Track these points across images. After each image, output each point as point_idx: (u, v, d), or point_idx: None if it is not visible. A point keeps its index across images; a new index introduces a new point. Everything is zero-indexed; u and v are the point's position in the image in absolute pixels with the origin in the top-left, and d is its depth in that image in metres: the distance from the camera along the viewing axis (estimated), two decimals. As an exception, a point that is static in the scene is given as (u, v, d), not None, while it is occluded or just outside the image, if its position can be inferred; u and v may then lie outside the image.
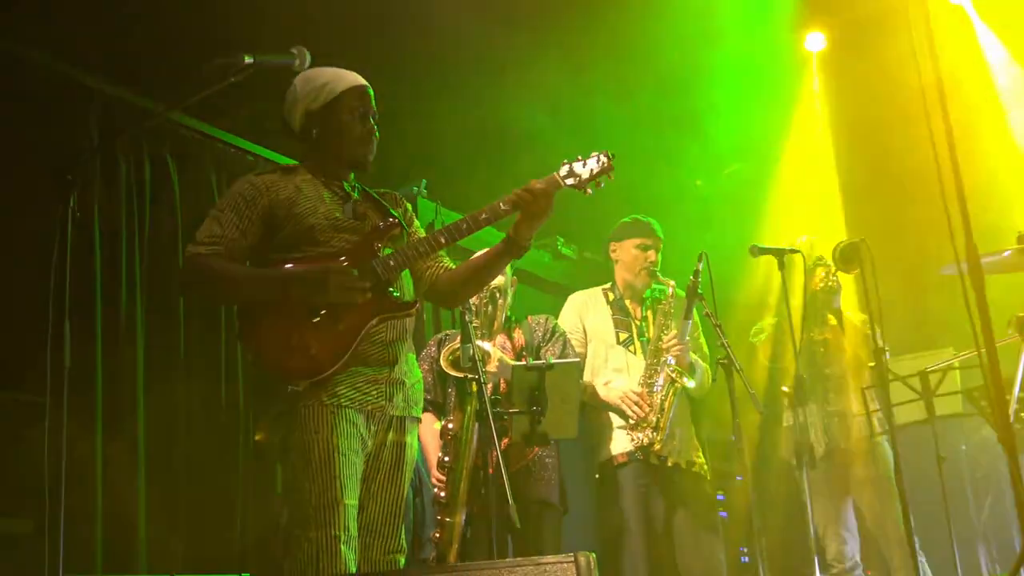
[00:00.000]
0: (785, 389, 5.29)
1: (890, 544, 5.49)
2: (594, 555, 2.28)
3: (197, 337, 5.11)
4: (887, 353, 5.04)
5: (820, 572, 5.13)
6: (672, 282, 5.14)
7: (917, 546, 4.96)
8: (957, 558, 5.06)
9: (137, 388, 4.82)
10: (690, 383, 4.95)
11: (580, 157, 3.52)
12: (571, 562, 2.25)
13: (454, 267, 3.68)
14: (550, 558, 2.27)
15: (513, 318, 4.87)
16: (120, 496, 4.63)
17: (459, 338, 4.41)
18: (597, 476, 5.16)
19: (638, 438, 4.92)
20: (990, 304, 2.92)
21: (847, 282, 5.61)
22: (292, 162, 3.69)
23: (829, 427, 5.60)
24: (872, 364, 5.11)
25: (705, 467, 5.16)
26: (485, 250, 3.66)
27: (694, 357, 5.13)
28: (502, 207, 3.42)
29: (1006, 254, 3.75)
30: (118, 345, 4.76)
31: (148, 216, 5.03)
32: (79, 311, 4.54)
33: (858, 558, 5.62)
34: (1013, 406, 3.94)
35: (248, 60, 3.23)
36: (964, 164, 2.99)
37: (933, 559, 5.42)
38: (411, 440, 3.51)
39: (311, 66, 3.43)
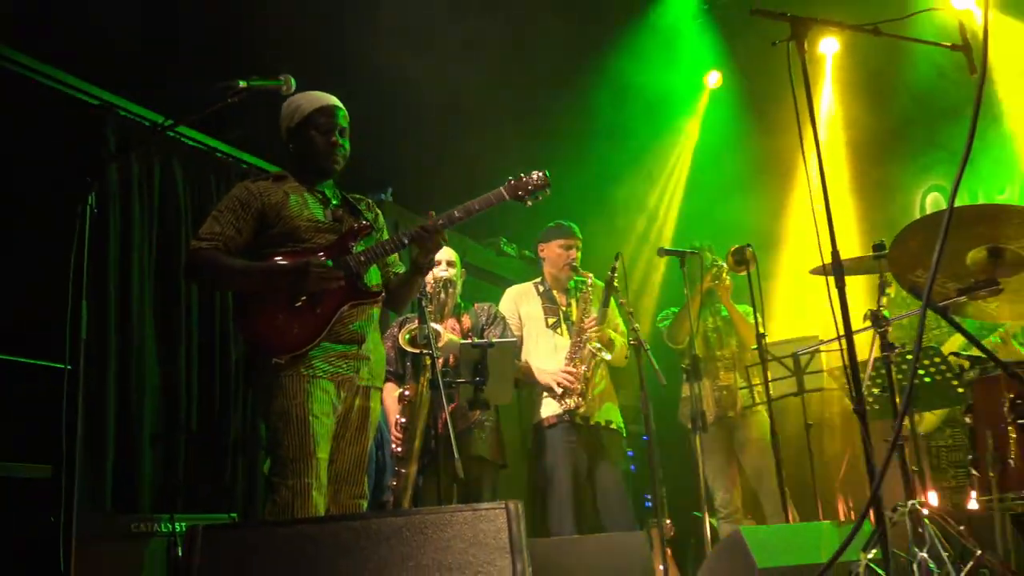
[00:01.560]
0: (684, 366, 5.35)
1: (765, 494, 5.57)
2: (521, 502, 2.30)
3: (197, 317, 5.06)
4: (766, 337, 5.11)
5: (709, 515, 5.20)
6: (590, 274, 5.16)
7: (787, 496, 5.05)
8: (819, 506, 5.15)
9: (145, 358, 4.77)
10: (607, 355, 4.99)
11: (523, 175, 3.57)
12: (502, 508, 2.26)
13: (400, 273, 3.72)
14: (485, 504, 2.28)
15: (462, 305, 4.87)
16: (128, 448, 4.58)
17: (417, 320, 4.43)
18: (531, 436, 5.16)
19: (566, 403, 4.94)
20: (849, 299, 2.99)
21: (737, 280, 5.67)
22: (280, 170, 3.68)
23: (719, 398, 5.67)
24: (754, 347, 5.18)
25: (622, 426, 5.19)
26: (404, 272, 3.69)
27: (613, 334, 5.15)
28: (404, 240, 3.49)
29: (861, 260, 3.81)
30: (130, 322, 4.70)
31: (157, 215, 4.98)
32: (96, 293, 4.50)
33: (739, 504, 5.70)
34: (866, 383, 4.02)
35: (243, 84, 3.23)
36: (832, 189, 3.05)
37: (800, 507, 5.51)
38: (375, 405, 3.54)
39: (297, 91, 3.43)
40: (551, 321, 5.17)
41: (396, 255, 3.69)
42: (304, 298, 3.33)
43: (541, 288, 5.30)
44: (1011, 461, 3.12)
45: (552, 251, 5.28)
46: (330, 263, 3.35)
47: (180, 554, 3.53)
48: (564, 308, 5.21)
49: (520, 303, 5.27)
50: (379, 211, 3.80)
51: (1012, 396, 2.80)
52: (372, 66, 5.35)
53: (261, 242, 3.44)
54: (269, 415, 3.31)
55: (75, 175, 3.18)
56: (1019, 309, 3.46)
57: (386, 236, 3.67)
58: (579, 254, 5.23)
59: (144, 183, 4.92)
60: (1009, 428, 2.86)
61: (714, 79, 7.65)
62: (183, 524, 3.73)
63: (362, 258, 3.43)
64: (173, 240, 4.98)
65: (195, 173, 5.20)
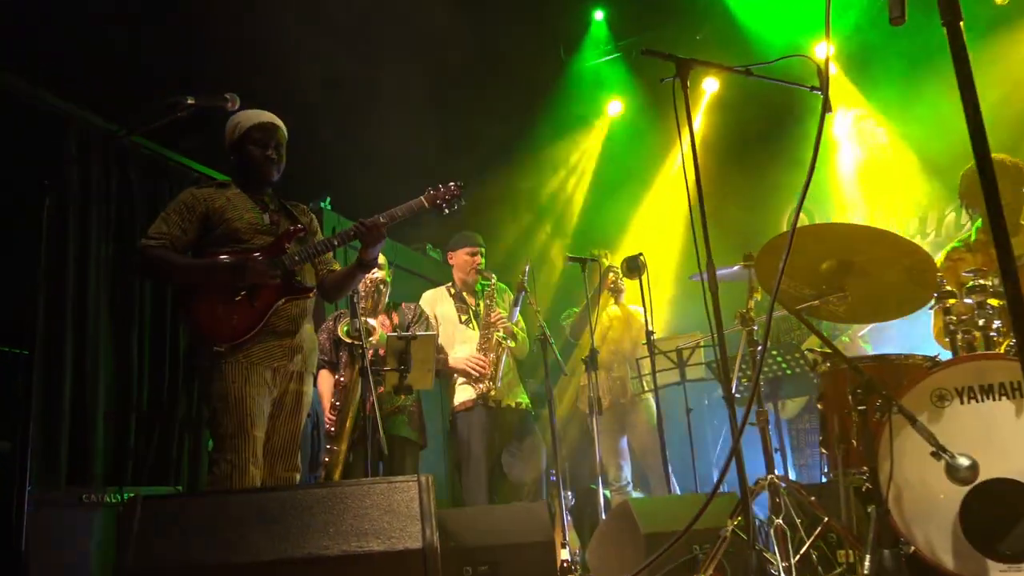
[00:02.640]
0: (583, 359, 5.39)
1: (651, 469, 5.66)
2: (432, 477, 2.29)
3: (149, 310, 4.94)
4: (654, 334, 5.18)
5: (603, 488, 5.24)
6: (493, 275, 5.17)
7: (670, 471, 5.13)
8: (697, 480, 5.24)
9: (100, 346, 4.63)
10: (511, 343, 5.01)
11: (440, 185, 3.57)
12: (414, 481, 2.25)
13: (336, 270, 3.67)
14: (399, 478, 2.28)
15: (391, 303, 4.84)
16: (82, 426, 4.44)
17: (349, 315, 4.39)
18: (450, 419, 5.15)
19: (479, 388, 4.94)
20: (722, 302, 3.05)
21: (630, 285, 5.74)
22: (224, 178, 3.63)
23: (612, 387, 5.73)
24: (644, 342, 5.25)
25: (529, 405, 5.20)
26: (348, 266, 3.63)
27: (516, 329, 5.16)
28: (350, 233, 3.47)
29: (735, 268, 3.88)
30: (86, 312, 4.56)
31: (114, 215, 4.84)
32: (55, 286, 4.36)
33: (629, 478, 5.77)
34: (736, 375, 4.09)
35: (191, 101, 3.17)
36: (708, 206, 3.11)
37: (681, 481, 5.60)
38: (307, 389, 3.51)
39: (240, 108, 3.37)
40: (463, 318, 5.17)
41: (331, 254, 3.65)
42: (244, 292, 3.28)
43: (452, 291, 5.29)
44: (853, 442, 3.20)
45: (460, 258, 5.28)
46: (267, 263, 3.32)
47: (123, 522, 3.44)
48: (473, 307, 5.21)
49: (435, 305, 5.25)
50: (314, 216, 3.75)
51: (854, 387, 2.88)
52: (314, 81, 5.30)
53: (205, 242, 3.39)
54: (211, 397, 3.25)
55: (35, 177, 3.06)
56: (863, 313, 3.58)
57: (320, 238, 3.63)
58: (483, 259, 5.24)
59: (102, 186, 4.79)
60: (852, 414, 2.93)
61: (616, 108, 7.73)
62: (131, 495, 3.63)
63: (296, 257, 3.41)
64: (128, 239, 4.84)
65: (149, 179, 5.08)
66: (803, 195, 2.24)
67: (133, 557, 2.13)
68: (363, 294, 4.57)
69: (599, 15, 7.43)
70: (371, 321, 4.40)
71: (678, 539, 2.62)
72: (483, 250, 5.26)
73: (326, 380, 4.60)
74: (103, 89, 4.67)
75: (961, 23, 1.59)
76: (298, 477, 3.45)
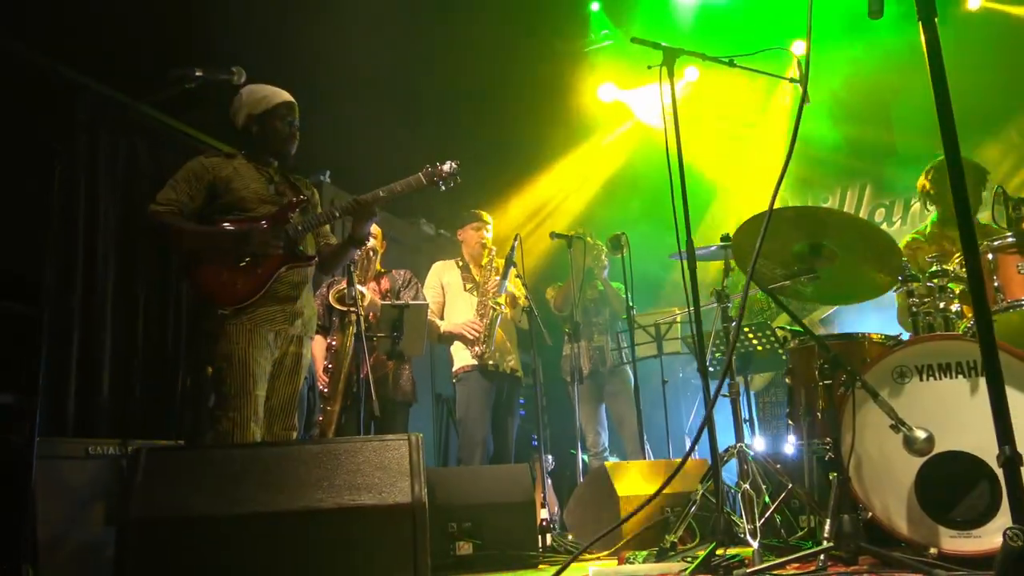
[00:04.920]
0: (566, 330, 5.41)
1: (628, 437, 5.70)
2: (422, 436, 2.30)
3: (154, 272, 4.90)
4: (634, 309, 5.20)
5: (582, 453, 5.29)
6: (494, 248, 5.19)
7: (645, 438, 5.17)
8: (670, 447, 5.28)
9: (108, 308, 4.60)
10: (505, 310, 5.02)
11: (438, 163, 3.57)
12: (405, 440, 2.27)
13: (333, 244, 3.67)
14: (391, 436, 2.30)
15: (383, 270, 4.83)
16: (89, 380, 4.43)
17: (345, 282, 4.38)
18: (453, 381, 5.16)
19: (476, 352, 4.95)
20: (699, 280, 3.06)
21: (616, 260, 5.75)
22: (230, 149, 3.60)
23: (592, 357, 5.76)
24: (624, 316, 5.27)
25: (520, 372, 5.22)
26: (341, 241, 3.64)
27: (517, 294, 5.16)
28: (351, 205, 3.46)
29: (712, 248, 3.89)
30: (95, 273, 4.53)
31: (120, 181, 4.79)
32: (66, 250, 4.33)
33: (607, 444, 5.81)
34: (710, 348, 4.12)
35: (199, 73, 3.15)
36: (690, 188, 3.11)
37: (655, 447, 5.65)
38: (306, 352, 3.51)
39: (247, 82, 3.35)
40: (468, 287, 5.20)
41: (329, 227, 3.65)
42: (248, 259, 3.29)
43: (460, 263, 5.33)
44: (818, 414, 3.23)
45: (468, 234, 5.32)
46: (272, 231, 3.31)
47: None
48: (478, 278, 5.23)
49: (443, 274, 5.30)
50: (315, 189, 3.74)
51: (821, 362, 2.90)
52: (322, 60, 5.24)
53: (211, 209, 3.38)
54: (215, 357, 3.25)
55: (46, 143, 3.03)
56: (832, 293, 3.59)
57: (320, 211, 3.62)
58: (489, 234, 5.26)
59: (110, 153, 4.73)
60: (818, 388, 2.96)
61: (608, 94, 7.68)
62: (135, 447, 3.63)
63: (300, 227, 3.41)
64: (135, 204, 4.79)
65: (156, 147, 5.02)
66: (780, 180, 2.24)
67: (136, 506, 2.14)
68: (356, 260, 4.56)
69: (595, 6, 7.39)
70: (361, 288, 4.39)
71: (649, 501, 2.65)
72: (489, 226, 5.28)
73: (319, 344, 4.60)
74: (113, 59, 4.60)
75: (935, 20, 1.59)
76: (295, 436, 3.46)
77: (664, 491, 3.86)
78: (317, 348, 4.60)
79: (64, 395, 4.27)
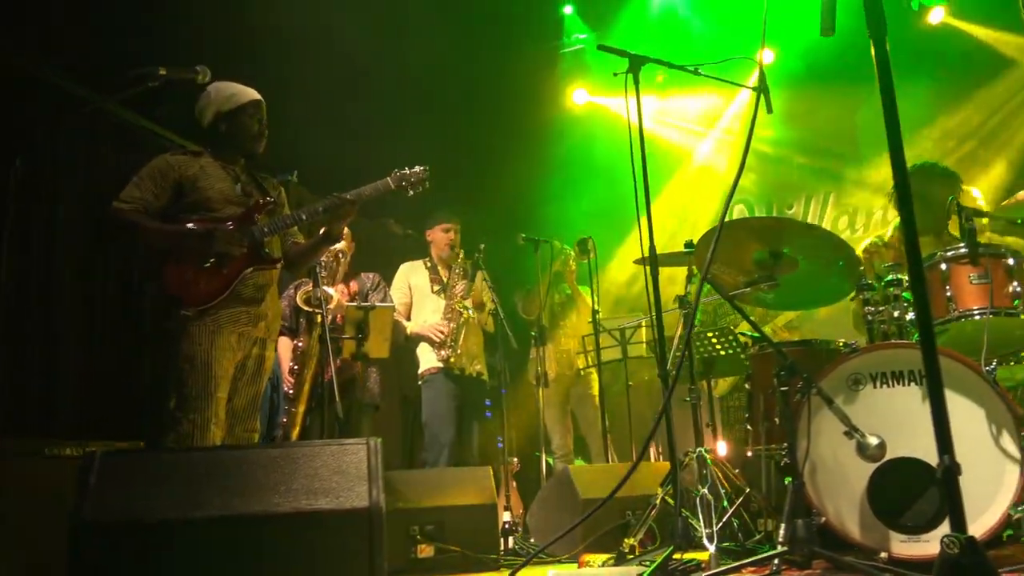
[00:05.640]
0: (532, 333, 5.42)
1: (592, 439, 5.73)
2: (381, 440, 2.29)
3: (116, 270, 4.84)
4: (600, 313, 5.22)
5: (546, 455, 5.30)
6: (461, 251, 5.19)
7: (609, 441, 5.19)
8: (633, 450, 5.31)
9: (67, 305, 4.54)
10: (472, 313, 5.02)
11: (407, 168, 3.58)
12: (363, 444, 2.26)
13: (301, 242, 3.64)
14: (350, 440, 2.28)
15: (350, 272, 4.81)
16: (48, 381, 4.36)
17: (311, 284, 4.36)
18: (419, 384, 5.15)
19: (442, 355, 4.95)
20: (663, 285, 3.09)
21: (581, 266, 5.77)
22: (196, 147, 3.55)
23: (559, 360, 5.78)
24: (590, 320, 5.29)
25: (485, 376, 5.23)
26: (314, 238, 3.59)
27: (484, 299, 5.17)
28: (320, 209, 3.44)
29: (676, 254, 3.92)
30: (52, 272, 4.46)
31: (82, 179, 4.72)
32: (21, 246, 4.26)
33: (571, 447, 5.83)
34: (673, 353, 4.14)
35: (162, 72, 3.11)
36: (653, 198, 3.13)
37: (619, 451, 5.68)
38: (269, 354, 3.49)
39: (211, 81, 3.31)
40: (435, 288, 5.20)
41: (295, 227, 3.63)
42: (213, 260, 3.26)
43: (428, 264, 5.33)
44: (776, 420, 3.28)
45: (436, 235, 5.33)
46: (237, 233, 3.28)
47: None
48: (446, 279, 5.22)
49: (410, 276, 5.30)
50: (282, 190, 3.71)
51: (778, 369, 2.93)
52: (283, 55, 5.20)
53: (176, 208, 3.33)
54: (177, 359, 3.21)
55: (6, 139, 2.98)
56: (792, 300, 3.64)
57: (287, 212, 3.59)
58: (457, 236, 5.26)
59: (72, 151, 4.66)
60: (776, 394, 2.99)
61: (581, 97, 7.70)
62: (92, 449, 3.57)
63: (266, 229, 3.38)
64: (97, 203, 4.72)
65: (120, 145, 4.95)
66: (733, 188, 2.27)
67: (89, 509, 2.11)
68: (323, 262, 4.54)
69: (568, 9, 7.42)
70: (329, 289, 4.37)
71: (602, 504, 2.68)
72: (457, 227, 5.28)
73: (285, 345, 4.57)
74: (77, 56, 4.53)
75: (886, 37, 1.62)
76: (257, 438, 3.43)
77: (626, 494, 3.92)
78: (283, 349, 4.57)
79: (22, 395, 4.20)
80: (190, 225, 3.28)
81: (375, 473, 2.21)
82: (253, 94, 3.51)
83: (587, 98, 7.68)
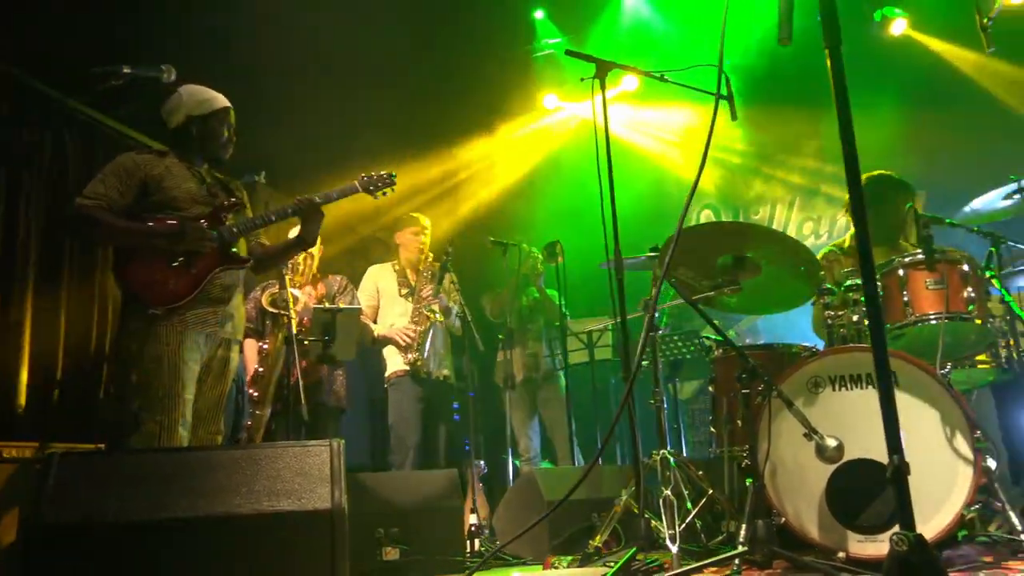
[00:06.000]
0: (500, 337, 5.43)
1: (559, 443, 5.74)
2: (343, 441, 2.28)
3: (79, 270, 4.77)
4: (568, 316, 5.24)
5: (512, 458, 5.31)
6: (431, 254, 5.20)
7: (575, 444, 5.22)
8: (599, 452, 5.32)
9: (28, 306, 4.46)
10: (440, 317, 5.02)
11: (373, 172, 3.60)
12: (326, 446, 2.25)
13: (267, 245, 3.63)
14: (312, 442, 2.27)
15: (318, 274, 4.79)
16: (6, 381, 4.28)
17: (278, 285, 4.34)
18: (386, 387, 5.14)
19: (409, 358, 4.94)
20: (628, 289, 3.12)
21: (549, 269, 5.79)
22: (162, 146, 3.52)
23: (526, 363, 5.78)
24: (557, 323, 5.31)
25: (452, 379, 5.22)
26: (286, 240, 3.61)
27: (451, 303, 5.18)
28: (289, 211, 3.45)
29: (641, 259, 3.95)
30: (13, 271, 4.39)
31: (45, 176, 4.65)
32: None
33: (538, 450, 5.84)
34: (637, 356, 4.17)
35: (126, 70, 3.06)
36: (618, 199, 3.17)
37: (586, 453, 5.70)
38: (234, 355, 3.47)
39: (176, 80, 3.28)
40: (403, 292, 5.19)
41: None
42: (181, 259, 3.23)
43: (397, 267, 5.31)
44: (738, 422, 3.33)
45: (405, 238, 5.31)
46: (208, 232, 3.27)
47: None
48: (414, 283, 5.22)
49: (378, 278, 5.28)
50: (245, 192, 3.69)
51: (740, 372, 2.97)
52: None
53: (140, 207, 3.28)
54: (143, 358, 3.17)
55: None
56: (755, 304, 3.68)
57: (250, 213, 3.57)
58: (427, 239, 5.26)
59: (35, 148, 4.59)
60: (738, 397, 3.03)
61: (552, 102, 7.74)
62: (52, 452, 3.52)
63: (235, 229, 3.37)
64: (60, 200, 4.66)
65: (83, 143, 4.89)
66: (691, 193, 2.30)
67: (46, 512, 2.08)
68: (290, 265, 4.52)
69: (539, 14, 7.46)
70: (296, 292, 4.35)
71: (555, 508, 2.72)
72: (426, 230, 5.28)
73: (251, 347, 4.54)
74: (40, 53, 4.47)
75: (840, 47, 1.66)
76: (220, 440, 3.40)
77: (592, 496, 3.94)
78: (249, 351, 4.54)
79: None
80: (160, 222, 3.24)
81: (338, 475, 2.21)
82: (224, 101, 3.52)
83: (557, 103, 7.72)
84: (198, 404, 3.28)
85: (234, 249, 3.37)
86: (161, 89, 3.41)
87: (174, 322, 3.18)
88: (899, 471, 1.44)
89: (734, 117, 3.45)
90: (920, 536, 1.42)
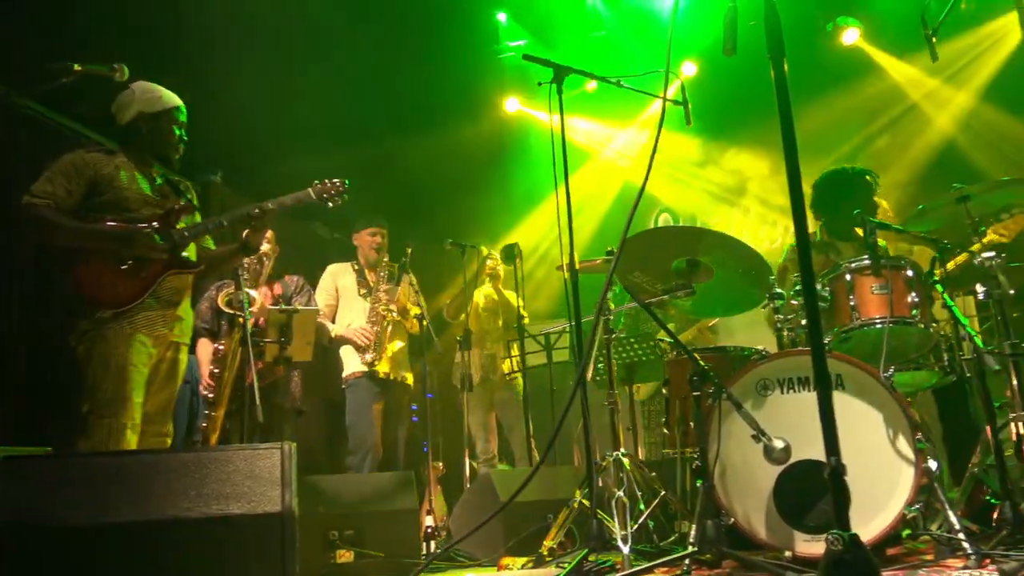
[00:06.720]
0: (458, 338, 5.43)
1: (516, 444, 5.76)
2: (295, 444, 2.27)
3: (22, 269, 4.67)
4: (526, 318, 5.26)
5: (470, 460, 5.31)
6: (387, 255, 5.19)
7: (533, 445, 5.24)
8: (556, 454, 5.36)
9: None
10: (397, 317, 5.01)
11: (327, 181, 3.60)
12: (277, 449, 2.24)
13: (213, 248, 3.61)
14: (264, 445, 2.26)
15: (274, 275, 4.75)
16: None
17: (233, 285, 4.30)
18: (344, 387, 5.11)
19: (366, 359, 4.92)
20: (595, 291, 3.14)
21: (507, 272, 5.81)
22: (112, 145, 3.47)
23: (484, 365, 5.79)
24: (515, 325, 5.33)
25: (410, 380, 5.21)
26: (231, 245, 3.58)
27: (410, 305, 5.16)
28: (243, 215, 3.44)
29: (597, 262, 3.99)
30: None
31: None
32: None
33: (495, 452, 5.85)
34: (594, 358, 4.20)
35: (77, 68, 3.01)
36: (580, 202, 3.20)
37: (543, 454, 5.71)
38: (183, 358, 3.45)
39: (129, 79, 3.23)
40: (361, 292, 5.17)
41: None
42: (131, 262, 3.21)
43: (356, 267, 5.30)
44: (691, 424, 3.37)
45: (363, 239, 5.31)
46: (158, 237, 3.22)
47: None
48: (372, 283, 5.20)
49: (337, 278, 5.26)
50: (195, 193, 3.65)
51: (692, 374, 3.02)
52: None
53: (89, 207, 3.25)
54: (91, 362, 3.15)
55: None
56: (706, 308, 3.74)
57: (199, 217, 3.53)
58: (385, 240, 5.25)
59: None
60: (690, 399, 3.08)
61: (513, 106, 7.75)
62: (-1, 455, 3.45)
63: (186, 234, 3.35)
64: (8, 198, 4.56)
65: (33, 137, 4.79)
66: (638, 198, 2.33)
67: (-10, 516, 2.04)
68: (246, 265, 4.48)
69: (502, 16, 7.48)
70: (252, 292, 4.31)
71: (502, 508, 2.78)
72: (385, 231, 5.26)
73: (205, 348, 4.50)
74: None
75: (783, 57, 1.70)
76: (169, 442, 3.38)
77: (546, 497, 3.96)
78: (203, 352, 4.50)
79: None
80: (109, 224, 3.21)
81: (288, 477, 2.20)
82: (176, 100, 3.48)
83: (519, 106, 7.74)
84: (147, 407, 3.26)
85: (184, 253, 3.35)
86: (114, 88, 3.37)
87: (122, 325, 3.16)
88: (836, 472, 1.48)
89: (689, 123, 3.51)
90: (854, 535, 1.46)
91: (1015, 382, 2.93)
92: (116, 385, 3.10)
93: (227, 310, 4.39)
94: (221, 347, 4.37)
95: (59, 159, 3.30)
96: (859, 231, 3.94)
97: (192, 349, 4.07)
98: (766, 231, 7.35)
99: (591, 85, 7.25)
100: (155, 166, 3.47)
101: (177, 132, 3.45)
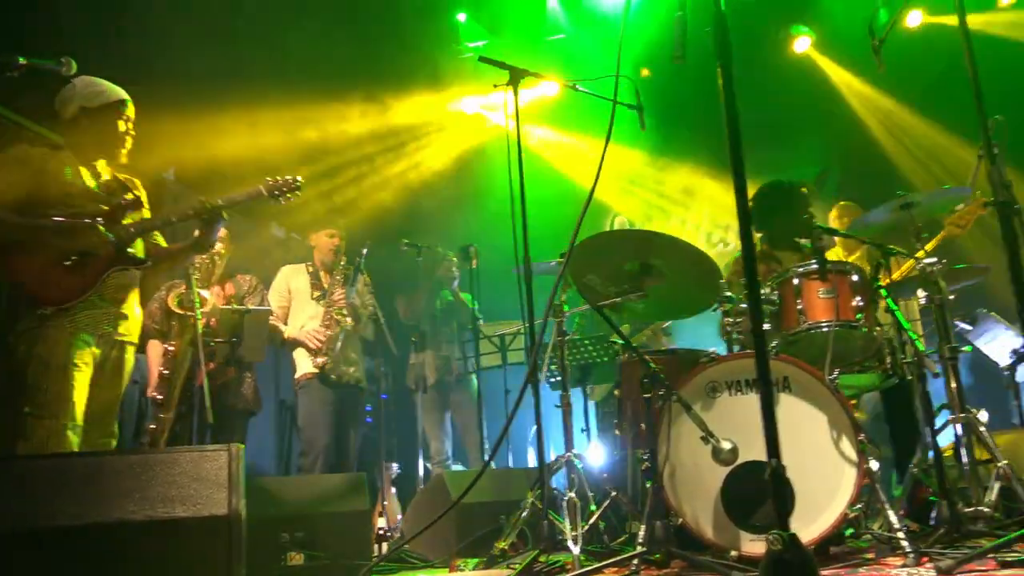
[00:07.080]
0: (412, 339, 5.42)
1: (471, 445, 5.76)
2: (243, 446, 2.25)
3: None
4: (481, 319, 5.27)
5: (424, 461, 5.30)
6: (344, 258, 5.16)
7: (487, 444, 5.24)
8: (510, 456, 5.38)
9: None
10: (350, 320, 4.98)
11: (279, 177, 3.54)
12: (224, 450, 2.21)
13: (164, 246, 3.54)
14: (210, 447, 2.23)
15: (228, 274, 4.69)
16: None
17: (184, 285, 4.23)
18: (296, 389, 5.05)
19: (318, 362, 4.88)
20: (541, 293, 3.16)
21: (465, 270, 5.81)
22: (58, 139, 3.39)
23: (438, 366, 5.78)
24: (471, 326, 5.33)
25: (363, 383, 5.18)
26: (184, 243, 3.50)
27: (361, 309, 5.13)
28: (188, 213, 3.37)
29: (552, 264, 4.01)
30: None
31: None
32: None
33: (450, 453, 5.84)
34: (547, 361, 4.22)
35: (22, 61, 2.93)
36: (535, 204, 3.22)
37: (497, 456, 5.73)
38: (128, 357, 3.37)
39: (77, 74, 3.16)
40: (315, 294, 5.12)
41: None
42: (75, 257, 3.14)
43: (311, 269, 5.24)
44: (642, 425, 3.40)
45: (320, 240, 5.26)
46: (103, 230, 3.15)
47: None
48: (327, 285, 5.16)
49: (291, 279, 5.20)
50: (144, 191, 3.58)
51: (643, 376, 3.05)
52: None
53: (32, 202, 3.16)
54: (31, 360, 3.06)
55: None
56: (658, 311, 3.78)
57: (147, 213, 3.47)
58: (342, 243, 5.21)
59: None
60: (641, 400, 3.11)
61: (471, 106, 7.75)
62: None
63: (132, 229, 3.29)
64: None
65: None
66: (588, 200, 2.35)
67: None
68: (197, 264, 4.41)
69: (462, 16, 7.47)
70: (204, 292, 4.25)
71: (444, 514, 2.80)
72: (342, 233, 5.23)
73: (155, 349, 4.41)
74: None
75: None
76: (114, 443, 3.31)
77: (499, 498, 3.97)
78: (153, 353, 4.42)
79: None
80: (54, 219, 3.14)
81: (236, 480, 2.18)
82: (121, 93, 3.39)
83: (476, 108, 7.75)
84: (91, 407, 3.18)
85: (130, 249, 3.28)
86: (62, 83, 3.30)
87: (64, 323, 3.09)
88: (777, 473, 1.51)
89: (643, 127, 3.54)
90: (793, 535, 1.49)
91: (953, 385, 3.02)
92: (57, 385, 3.03)
93: (178, 310, 4.32)
94: (171, 348, 4.29)
95: (2, 152, 3.22)
96: (799, 240, 4.04)
97: (142, 350, 4.00)
98: (719, 234, 7.46)
99: (552, 89, 7.29)
100: (101, 161, 3.40)
101: (123, 126, 3.37)
